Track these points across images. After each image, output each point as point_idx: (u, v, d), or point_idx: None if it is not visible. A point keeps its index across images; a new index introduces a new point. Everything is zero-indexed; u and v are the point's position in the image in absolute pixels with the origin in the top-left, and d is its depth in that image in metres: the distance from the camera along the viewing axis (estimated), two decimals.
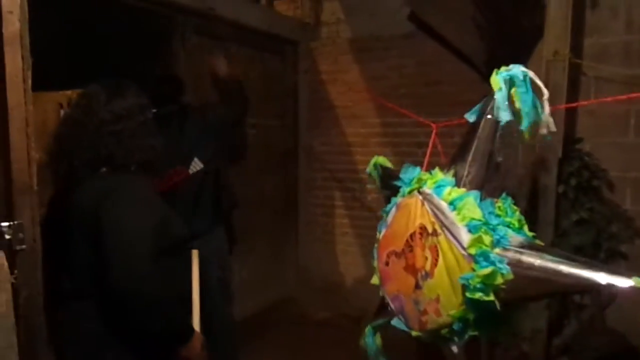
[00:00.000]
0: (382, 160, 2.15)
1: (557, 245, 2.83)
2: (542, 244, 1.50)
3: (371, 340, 1.93)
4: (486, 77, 3.54)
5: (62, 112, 2.57)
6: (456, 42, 3.09)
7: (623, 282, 1.22)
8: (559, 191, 2.81)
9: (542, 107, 1.44)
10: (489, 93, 3.65)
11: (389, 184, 2.00)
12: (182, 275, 1.61)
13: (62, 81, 2.51)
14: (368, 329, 1.97)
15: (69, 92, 2.58)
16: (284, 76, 4.13)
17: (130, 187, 1.49)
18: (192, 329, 1.52)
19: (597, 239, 2.84)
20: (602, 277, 1.26)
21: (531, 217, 2.85)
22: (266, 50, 3.92)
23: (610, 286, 1.25)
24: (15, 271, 1.40)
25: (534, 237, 1.49)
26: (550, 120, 1.44)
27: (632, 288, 1.21)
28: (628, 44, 2.86)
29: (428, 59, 3.61)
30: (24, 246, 1.41)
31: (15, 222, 1.40)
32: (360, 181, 4.00)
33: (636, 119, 2.85)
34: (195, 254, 1.68)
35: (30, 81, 1.41)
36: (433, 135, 1.85)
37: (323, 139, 4.15)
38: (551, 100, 2.69)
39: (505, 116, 1.44)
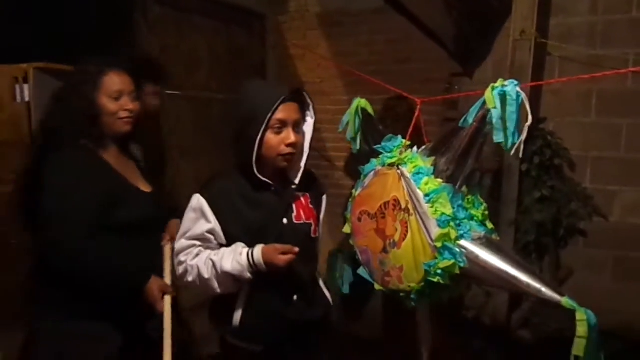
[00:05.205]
0: (365, 103, 1.99)
1: (520, 222, 2.91)
2: (499, 238, 1.65)
3: (335, 259, 2.06)
4: (454, 54, 3.53)
5: (17, 86, 2.45)
6: (424, 18, 3.07)
7: (554, 298, 1.38)
8: (522, 169, 2.87)
9: (521, 131, 1.48)
10: (456, 71, 3.61)
11: (368, 138, 1.95)
12: (144, 250, 1.60)
13: (20, 55, 2.40)
14: (333, 251, 2.08)
15: (24, 66, 2.44)
16: (252, 51, 4.03)
17: (70, 162, 1.49)
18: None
19: (557, 216, 2.92)
20: (539, 287, 1.42)
21: (496, 194, 2.91)
22: (233, 23, 3.80)
23: (543, 297, 1.41)
24: None
25: (492, 230, 1.63)
26: (516, 147, 1.47)
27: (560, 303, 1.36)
28: (592, 25, 2.90)
29: (397, 35, 3.57)
30: None
31: None
32: (328, 159, 3.98)
33: (597, 99, 2.92)
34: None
35: None
36: (417, 111, 1.83)
37: None
38: (516, 79, 2.76)
39: (499, 138, 1.47)
